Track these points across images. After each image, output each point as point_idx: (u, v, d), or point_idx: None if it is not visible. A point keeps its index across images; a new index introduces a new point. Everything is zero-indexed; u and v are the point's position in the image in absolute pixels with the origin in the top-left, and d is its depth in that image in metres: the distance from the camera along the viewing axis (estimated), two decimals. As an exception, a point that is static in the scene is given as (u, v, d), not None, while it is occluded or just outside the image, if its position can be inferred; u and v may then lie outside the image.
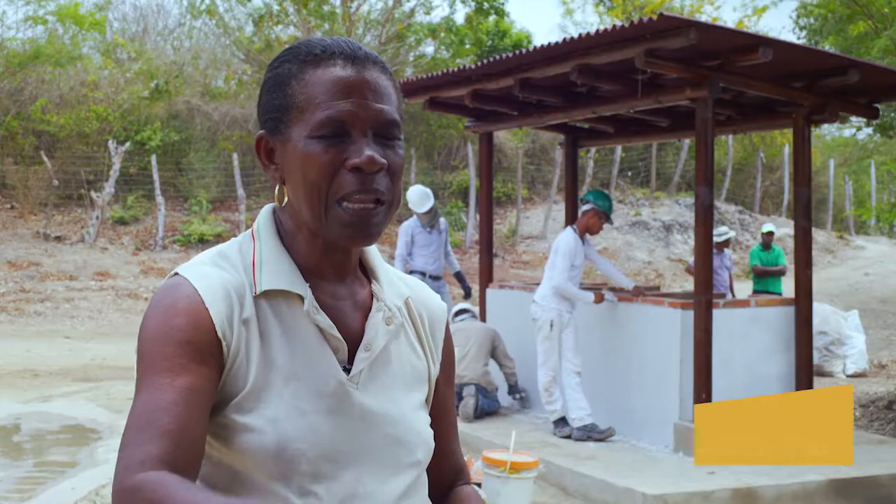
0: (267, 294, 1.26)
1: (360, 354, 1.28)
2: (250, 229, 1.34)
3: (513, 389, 8.03)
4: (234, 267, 1.28)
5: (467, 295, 9.39)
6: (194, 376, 1.16)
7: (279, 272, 1.27)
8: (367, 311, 1.33)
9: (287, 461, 1.20)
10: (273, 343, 1.25)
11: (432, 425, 1.38)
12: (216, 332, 1.20)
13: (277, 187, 1.29)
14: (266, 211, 1.35)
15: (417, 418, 1.33)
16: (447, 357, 1.45)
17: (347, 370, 1.28)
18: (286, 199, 1.29)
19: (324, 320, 1.26)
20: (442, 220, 9.16)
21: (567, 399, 7.12)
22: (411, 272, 8.71)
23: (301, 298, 1.26)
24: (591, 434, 6.96)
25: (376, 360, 1.30)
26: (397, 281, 1.39)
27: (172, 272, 1.28)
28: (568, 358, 7.14)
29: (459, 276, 9.37)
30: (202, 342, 1.19)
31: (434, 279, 8.89)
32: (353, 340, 1.30)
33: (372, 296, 1.34)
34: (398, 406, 1.31)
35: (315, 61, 1.26)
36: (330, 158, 1.22)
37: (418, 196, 8.92)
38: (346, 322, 1.30)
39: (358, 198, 1.22)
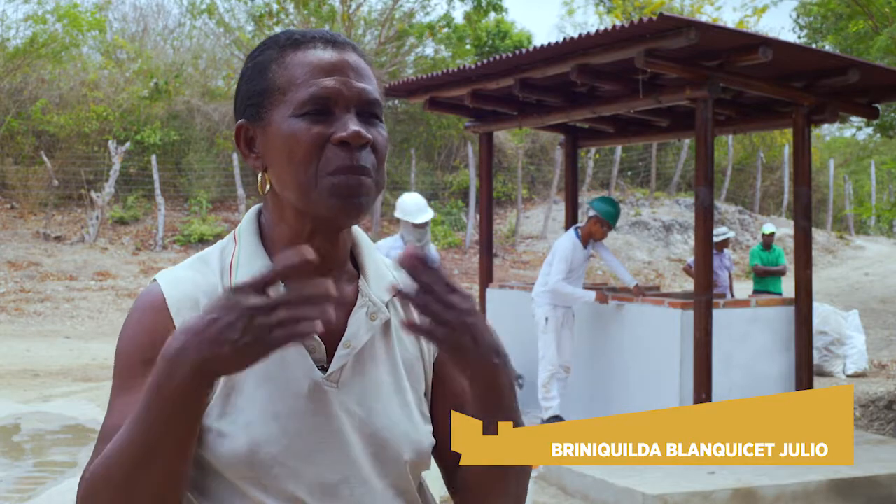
0: None
1: (340, 352, 1.26)
2: (232, 232, 1.34)
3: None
4: (212, 270, 1.28)
5: None
6: None
7: (253, 272, 1.23)
8: (351, 308, 1.30)
9: (259, 465, 1.19)
10: None
11: (445, 413, 1.32)
12: None
13: (260, 175, 1.28)
14: (250, 213, 1.34)
15: (407, 416, 1.30)
16: None
17: (326, 369, 1.25)
18: (268, 186, 1.28)
19: None
20: (432, 246, 7.41)
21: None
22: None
23: None
24: None
25: (360, 357, 1.28)
26: (388, 274, 1.36)
27: (152, 278, 1.29)
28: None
29: None
30: None
31: None
32: (336, 338, 1.27)
33: (358, 291, 1.31)
34: (385, 404, 1.28)
35: (295, 45, 1.26)
36: (315, 134, 1.21)
37: (415, 203, 6.97)
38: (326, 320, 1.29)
39: (346, 171, 1.21)
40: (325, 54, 1.25)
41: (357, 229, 1.36)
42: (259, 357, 1.04)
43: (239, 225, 1.33)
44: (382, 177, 1.26)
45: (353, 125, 1.21)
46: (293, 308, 1.04)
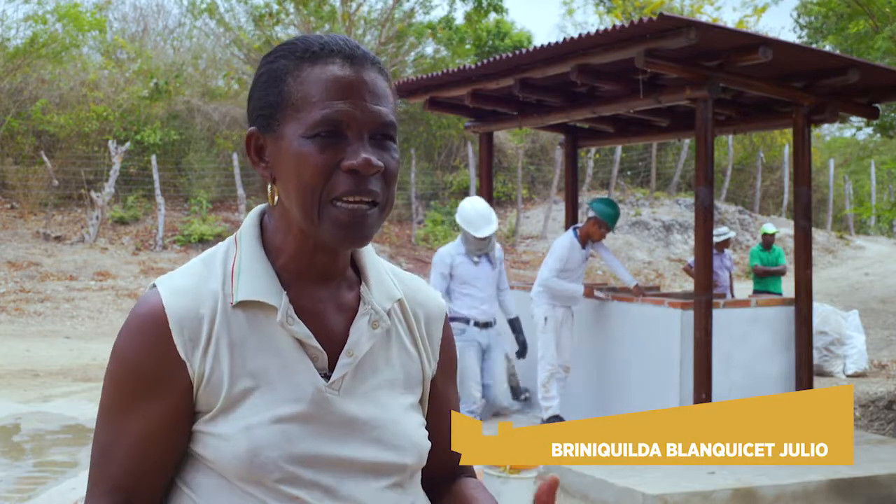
0: (243, 304, 1.24)
1: (342, 360, 1.26)
2: (234, 235, 1.33)
3: (515, 392, 7.97)
4: (214, 276, 1.27)
5: (522, 351, 7.18)
6: (149, 418, 1.21)
7: (255, 281, 1.25)
8: (353, 314, 1.30)
9: (259, 468, 1.20)
10: (248, 354, 1.23)
11: (433, 424, 1.36)
12: (179, 356, 1.21)
13: (269, 186, 1.27)
14: (252, 215, 1.34)
15: (407, 421, 1.31)
16: (446, 355, 1.41)
17: (329, 376, 1.26)
18: (277, 197, 1.27)
19: (300, 330, 1.25)
20: (498, 247, 6.95)
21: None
22: (452, 319, 6.44)
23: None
24: None
25: (362, 364, 1.28)
26: (389, 281, 1.36)
27: (152, 284, 1.28)
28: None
29: (514, 325, 7.13)
30: (162, 371, 1.21)
31: (484, 327, 6.76)
32: (337, 345, 1.28)
33: (360, 298, 1.32)
34: (386, 410, 1.29)
35: (313, 59, 1.24)
36: (325, 159, 1.20)
37: (477, 213, 6.58)
38: (329, 327, 1.28)
39: (352, 198, 1.21)
40: (342, 72, 1.23)
41: None
42: None
43: (240, 228, 1.33)
44: (391, 198, 1.26)
45: (364, 153, 1.20)
46: None
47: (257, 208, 1.35)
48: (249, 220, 1.33)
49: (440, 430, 1.36)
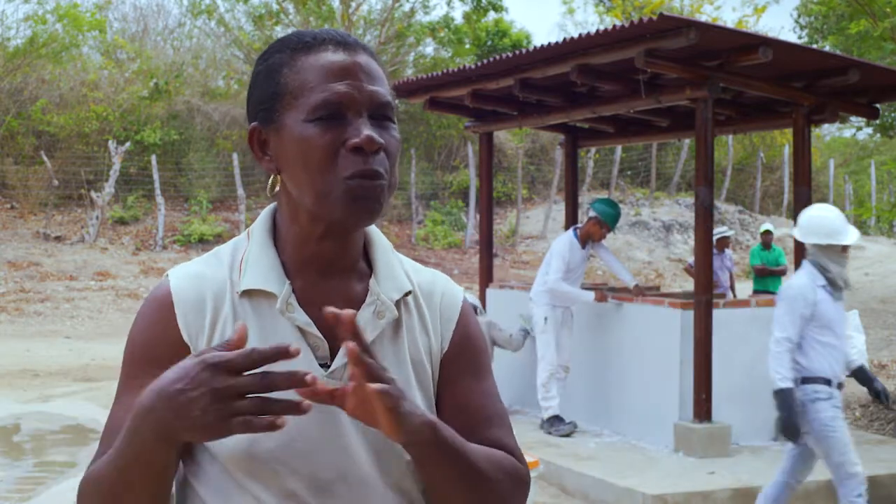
0: (249, 293, 1.27)
1: (343, 350, 1.24)
2: (249, 228, 1.35)
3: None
4: (223, 266, 1.30)
5: (882, 397, 5.10)
6: None
7: (261, 271, 1.28)
8: (360, 306, 1.30)
9: (258, 459, 1.21)
10: (250, 342, 1.23)
11: (446, 414, 1.32)
12: (182, 338, 1.25)
13: (271, 177, 1.29)
14: (266, 211, 1.36)
15: None
16: (465, 346, 1.37)
17: (329, 366, 1.26)
18: (277, 187, 1.28)
19: (299, 317, 1.26)
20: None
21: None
22: (806, 381, 4.63)
23: None
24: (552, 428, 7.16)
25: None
26: (402, 274, 1.35)
27: (165, 273, 1.31)
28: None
29: (861, 375, 5.06)
30: (168, 352, 1.24)
31: (839, 387, 4.73)
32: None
33: (368, 290, 1.32)
34: None
35: (306, 49, 1.26)
36: (329, 140, 1.22)
37: (837, 216, 4.74)
38: None
39: (360, 177, 1.22)
40: (335, 57, 1.25)
41: (373, 229, 1.37)
42: (219, 436, 1.07)
43: (255, 222, 1.35)
44: (395, 178, 1.27)
45: (366, 130, 1.22)
46: (258, 400, 1.05)
47: (272, 205, 1.36)
48: (263, 215, 1.35)
49: (451, 420, 1.31)
